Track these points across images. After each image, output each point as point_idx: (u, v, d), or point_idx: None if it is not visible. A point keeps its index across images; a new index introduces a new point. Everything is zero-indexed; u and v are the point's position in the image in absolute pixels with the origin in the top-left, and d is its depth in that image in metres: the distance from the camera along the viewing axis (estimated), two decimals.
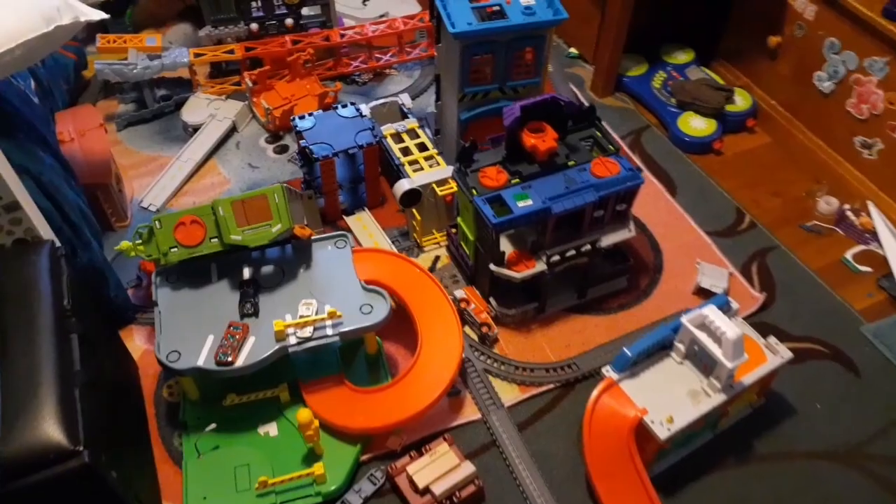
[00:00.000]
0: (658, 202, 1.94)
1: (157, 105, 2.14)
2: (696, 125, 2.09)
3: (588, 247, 1.58)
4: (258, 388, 1.47)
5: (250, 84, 2.09)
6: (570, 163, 1.57)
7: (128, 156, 2.06)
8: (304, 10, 2.21)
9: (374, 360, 1.56)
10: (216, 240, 1.44)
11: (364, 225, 1.86)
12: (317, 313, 1.42)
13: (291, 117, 1.81)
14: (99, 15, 1.42)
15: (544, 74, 1.78)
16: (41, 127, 1.53)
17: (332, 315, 1.40)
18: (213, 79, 2.22)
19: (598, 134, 1.65)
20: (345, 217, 1.88)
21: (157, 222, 1.44)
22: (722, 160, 2.07)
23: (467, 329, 1.64)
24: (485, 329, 1.60)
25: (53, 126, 1.73)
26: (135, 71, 2.04)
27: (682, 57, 2.29)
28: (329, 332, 1.40)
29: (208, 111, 2.11)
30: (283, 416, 1.47)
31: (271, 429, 1.46)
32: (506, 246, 1.59)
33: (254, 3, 2.12)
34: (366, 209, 1.90)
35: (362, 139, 1.76)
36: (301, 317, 1.41)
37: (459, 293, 1.67)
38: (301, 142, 1.76)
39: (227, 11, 2.13)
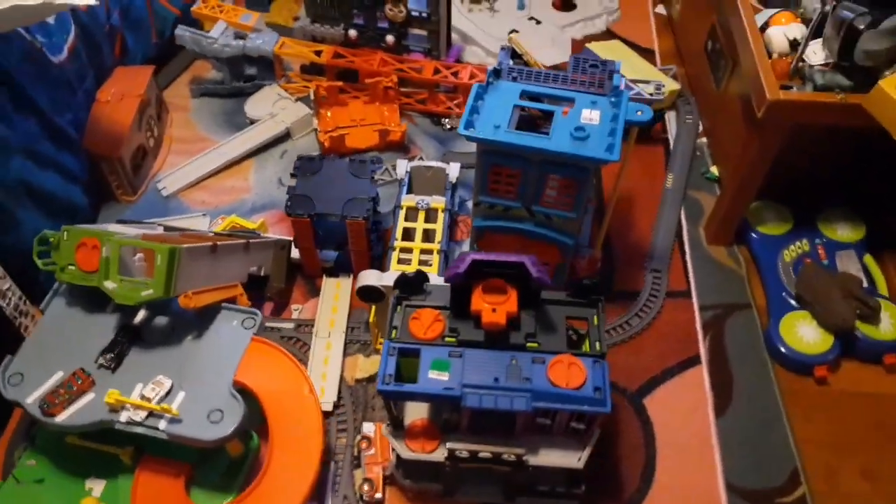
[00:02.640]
0: (694, 411, 1.45)
1: (234, 84, 2.03)
2: (804, 334, 1.52)
3: (512, 457, 1.19)
4: (104, 439, 1.33)
5: (319, 94, 1.89)
6: (531, 345, 1.18)
7: (183, 126, 1.99)
8: (412, 30, 1.94)
9: (238, 461, 1.34)
10: None
11: (337, 295, 1.61)
12: (163, 398, 1.23)
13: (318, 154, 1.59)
14: (80, 1, 1.30)
15: (584, 209, 1.37)
16: (31, 87, 1.47)
17: (166, 411, 1.20)
18: (305, 73, 2.05)
19: (595, 322, 1.22)
20: (325, 276, 1.64)
21: (65, 233, 1.32)
22: (820, 394, 1.49)
23: (357, 473, 1.35)
24: (365, 488, 1.30)
25: (80, 85, 1.68)
26: (213, 46, 1.94)
27: (846, 232, 1.68)
28: (161, 426, 1.20)
29: (272, 108, 1.96)
30: (115, 480, 1.32)
31: (97, 487, 1.32)
32: (422, 408, 1.26)
33: (356, 8, 1.90)
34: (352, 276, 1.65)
35: (351, 209, 1.49)
36: (142, 397, 1.22)
37: (368, 428, 1.37)
38: (290, 185, 1.54)
39: (327, 9, 1.93)
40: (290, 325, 1.56)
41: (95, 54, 1.75)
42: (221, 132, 1.97)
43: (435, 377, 1.14)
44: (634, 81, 1.82)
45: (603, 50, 2.05)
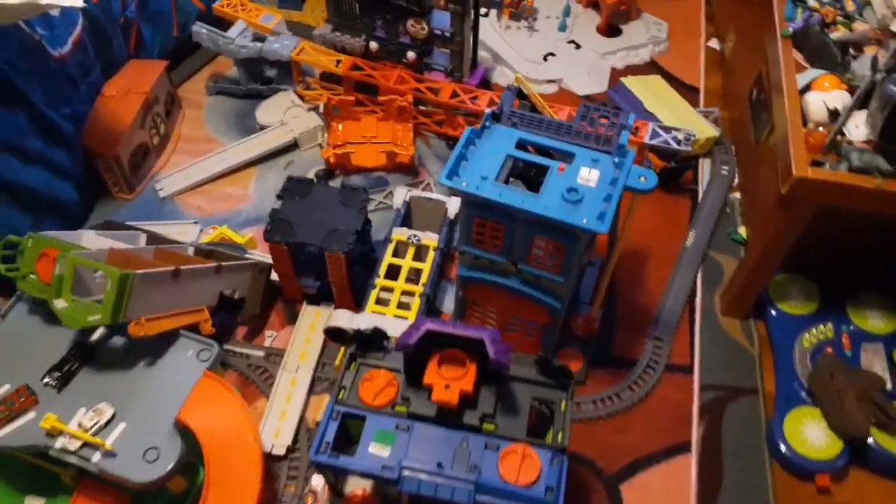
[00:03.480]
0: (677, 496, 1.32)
1: (250, 86, 1.97)
2: (811, 434, 1.36)
3: None
4: (47, 456, 1.28)
5: (330, 106, 1.81)
6: (487, 426, 1.08)
7: (193, 125, 1.94)
8: (435, 48, 1.83)
9: (181, 497, 1.28)
10: None
11: (314, 325, 1.53)
12: (102, 428, 1.17)
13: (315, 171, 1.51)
14: (68, 1, 1.24)
15: (581, 269, 1.26)
16: (25, 81, 1.44)
17: (100, 445, 1.14)
18: (325, 81, 1.97)
19: (562, 408, 1.11)
20: (305, 303, 1.57)
21: (29, 240, 1.27)
22: None
23: None
24: None
25: (84, 79, 1.65)
26: (229, 46, 1.88)
27: (877, 322, 1.50)
28: (94, 458, 1.15)
29: (283, 115, 1.89)
30: (55, 499, 1.28)
31: None
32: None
33: (378, 21, 1.80)
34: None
35: (332, 241, 1.40)
36: (80, 424, 1.17)
37: (317, 481, 1.29)
38: (274, 207, 1.46)
39: (349, 18, 1.84)
40: (261, 353, 1.50)
41: (104, 47, 1.71)
42: (230, 134, 1.91)
43: (376, 452, 1.05)
44: (664, 127, 1.68)
45: (640, 85, 1.90)
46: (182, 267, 1.29)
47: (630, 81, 1.90)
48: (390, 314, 1.40)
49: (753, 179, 1.70)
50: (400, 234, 1.53)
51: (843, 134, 1.24)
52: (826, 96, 1.27)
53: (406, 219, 1.62)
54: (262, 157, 1.84)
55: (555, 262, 1.22)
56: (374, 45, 1.85)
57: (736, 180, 1.82)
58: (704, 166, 1.86)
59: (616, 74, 2.08)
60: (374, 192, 1.78)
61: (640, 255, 1.69)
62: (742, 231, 1.71)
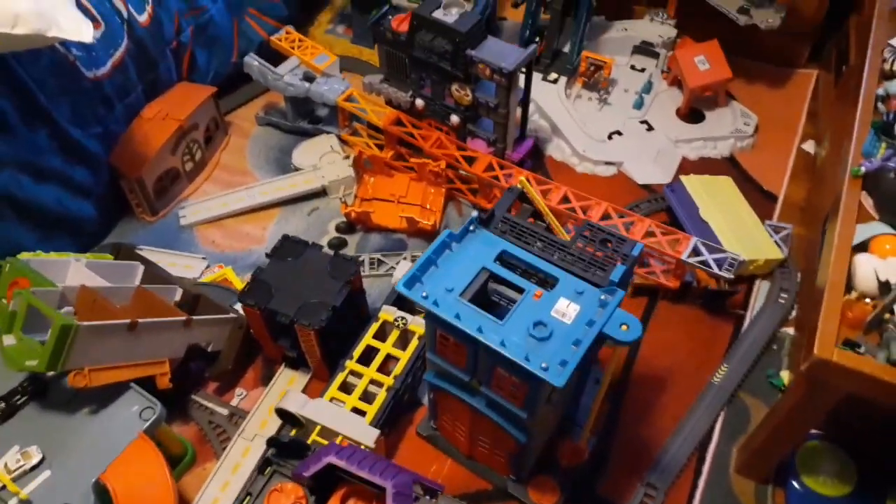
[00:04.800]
0: None
1: (297, 123, 1.93)
2: None
3: None
4: None
5: (362, 160, 1.73)
6: None
7: (234, 153, 1.93)
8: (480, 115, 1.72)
9: None
10: None
11: (284, 392, 1.45)
12: (27, 472, 1.15)
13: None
14: (75, 36, 1.23)
15: (539, 414, 1.10)
16: (52, 99, 1.46)
17: (16, 492, 1.12)
18: (372, 128, 1.90)
19: None
20: (284, 365, 1.50)
21: (7, 265, 1.27)
22: None
23: None
24: None
25: (123, 99, 1.66)
26: (277, 82, 1.84)
27: None
28: (11, 503, 1.13)
29: (318, 160, 1.84)
30: None
31: None
32: None
33: (426, 80, 1.70)
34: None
35: (305, 314, 1.32)
36: (5, 465, 1.15)
37: None
38: (259, 266, 1.40)
39: (399, 71, 1.76)
40: (225, 412, 1.44)
41: (148, 70, 1.72)
42: (267, 169, 1.88)
43: None
44: (709, 246, 1.48)
45: (702, 187, 1.70)
46: (140, 320, 1.24)
47: (691, 181, 1.70)
48: (350, 405, 1.30)
49: (811, 318, 1.46)
50: (388, 313, 1.42)
51: (892, 313, 1.02)
52: (881, 263, 1.05)
53: (399, 297, 1.51)
54: (288, 199, 1.80)
55: (517, 394, 1.08)
56: (420, 102, 1.76)
57: (793, 313, 1.58)
58: (760, 289, 1.63)
59: (686, 166, 1.88)
60: (390, 255, 1.69)
61: (659, 383, 1.49)
62: (784, 376, 1.48)
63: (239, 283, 1.62)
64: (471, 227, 1.13)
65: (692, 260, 1.45)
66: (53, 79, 1.46)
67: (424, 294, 1.04)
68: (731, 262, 1.43)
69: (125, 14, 1.61)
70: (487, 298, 1.10)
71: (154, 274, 1.52)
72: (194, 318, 1.36)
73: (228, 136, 1.96)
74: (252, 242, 1.73)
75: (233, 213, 1.77)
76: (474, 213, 1.13)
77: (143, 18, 1.66)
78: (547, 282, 1.08)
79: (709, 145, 1.92)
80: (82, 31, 1.25)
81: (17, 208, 1.46)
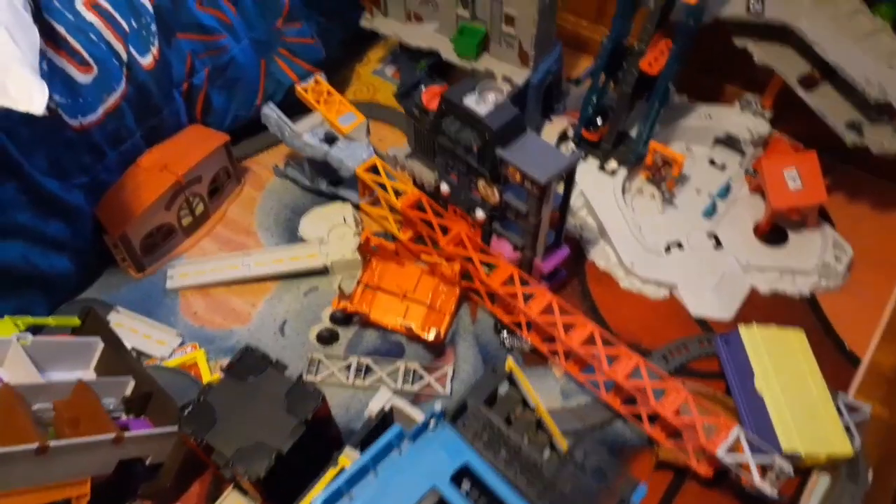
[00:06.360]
0: None
1: (316, 183, 1.73)
2: None
3: None
4: None
5: (369, 247, 1.52)
6: None
7: (242, 208, 1.75)
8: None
9: None
10: None
11: None
12: None
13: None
14: (23, 106, 1.06)
15: None
16: (24, 151, 1.31)
17: None
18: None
19: None
20: (233, 487, 1.30)
21: None
22: None
23: None
24: None
25: (116, 147, 1.51)
26: (294, 141, 1.64)
27: None
28: None
29: (327, 233, 1.63)
30: None
31: None
32: None
33: (452, 167, 1.46)
34: None
35: (243, 459, 1.12)
36: None
37: None
38: (211, 382, 1.21)
39: (426, 149, 1.53)
40: None
41: (149, 115, 1.55)
42: (272, 231, 1.70)
43: None
44: (754, 443, 1.18)
45: (766, 344, 1.38)
46: (52, 444, 1.07)
47: (751, 335, 1.39)
48: None
49: None
50: (349, 456, 1.20)
51: None
52: None
53: (379, 433, 1.28)
54: (286, 274, 1.60)
55: None
56: (445, 188, 1.52)
57: None
58: (818, 483, 1.32)
59: (754, 301, 1.56)
60: (381, 361, 1.47)
61: None
62: None
63: (207, 372, 1.44)
64: (430, 423, 0.90)
65: (729, 459, 1.16)
66: (26, 128, 1.30)
67: None
68: (780, 471, 1.14)
69: (124, 57, 1.44)
70: None
71: (113, 354, 1.36)
72: (127, 434, 1.18)
73: (242, 185, 1.78)
74: (236, 321, 1.55)
75: (223, 282, 1.59)
76: (437, 406, 0.90)
77: (146, 61, 1.49)
78: None
79: (786, 278, 1.59)
80: (34, 99, 1.07)
81: None
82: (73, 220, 1.47)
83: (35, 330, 1.41)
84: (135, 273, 1.60)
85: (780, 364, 1.36)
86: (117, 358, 1.36)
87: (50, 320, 1.41)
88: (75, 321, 1.43)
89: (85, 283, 1.58)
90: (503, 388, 0.94)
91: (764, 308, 1.55)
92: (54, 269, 1.47)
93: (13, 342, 1.24)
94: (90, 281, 1.59)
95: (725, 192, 1.72)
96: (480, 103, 1.33)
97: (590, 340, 1.35)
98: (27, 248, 1.39)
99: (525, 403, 0.96)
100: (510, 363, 0.98)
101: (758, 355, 1.36)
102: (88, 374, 1.36)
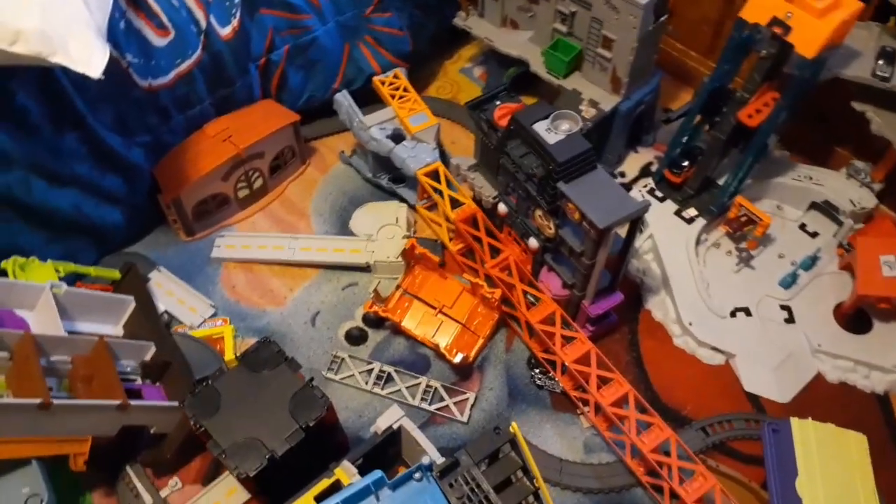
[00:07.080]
0: None
1: (377, 176, 1.68)
2: None
3: None
4: None
5: (414, 254, 1.46)
6: None
7: (301, 188, 1.73)
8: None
9: None
10: None
11: (222, 501, 1.26)
12: None
13: None
14: (81, 67, 1.06)
15: None
16: (91, 104, 1.32)
17: None
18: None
19: None
20: None
21: None
22: None
23: None
24: None
25: (183, 111, 1.52)
26: (360, 132, 1.60)
27: None
28: None
29: (376, 230, 1.58)
30: None
31: None
32: None
33: (512, 189, 1.38)
34: None
35: (237, 455, 1.09)
36: None
37: None
38: (221, 367, 1.18)
39: (490, 166, 1.45)
40: (149, 501, 1.26)
41: (221, 85, 1.55)
42: (327, 219, 1.67)
43: None
44: None
45: (819, 442, 1.23)
46: (56, 402, 1.08)
47: (804, 430, 1.25)
48: None
49: None
50: (346, 471, 1.16)
51: None
52: None
53: (384, 449, 1.23)
54: (328, 265, 1.57)
55: None
56: (503, 208, 1.44)
57: None
58: None
59: (817, 389, 1.42)
60: (404, 374, 1.42)
61: None
62: None
63: (231, 350, 1.43)
64: (416, 476, 0.83)
65: None
66: (95, 83, 1.30)
67: None
68: None
69: (203, 25, 1.43)
70: None
71: (143, 316, 1.37)
72: (133, 403, 1.18)
73: (306, 166, 1.76)
74: (271, 302, 1.53)
75: (265, 261, 1.58)
76: (425, 459, 0.83)
77: (225, 31, 1.47)
78: None
79: (861, 371, 1.43)
80: (92, 62, 1.07)
81: (22, 211, 1.34)
82: (131, 177, 1.48)
83: (76, 278, 1.44)
84: (184, 236, 1.61)
85: (830, 469, 1.22)
86: (146, 321, 1.37)
87: (91, 270, 1.43)
88: (116, 274, 1.45)
89: (134, 238, 1.60)
90: (506, 449, 0.87)
91: (827, 399, 1.40)
92: (105, 220, 1.49)
93: (46, 290, 1.26)
94: (140, 237, 1.61)
95: (811, 263, 1.56)
96: (551, 131, 1.24)
97: (623, 401, 1.25)
98: (81, 197, 1.41)
99: (526, 470, 0.89)
100: (514, 427, 0.90)
101: (807, 454, 1.23)
102: (116, 331, 1.37)
